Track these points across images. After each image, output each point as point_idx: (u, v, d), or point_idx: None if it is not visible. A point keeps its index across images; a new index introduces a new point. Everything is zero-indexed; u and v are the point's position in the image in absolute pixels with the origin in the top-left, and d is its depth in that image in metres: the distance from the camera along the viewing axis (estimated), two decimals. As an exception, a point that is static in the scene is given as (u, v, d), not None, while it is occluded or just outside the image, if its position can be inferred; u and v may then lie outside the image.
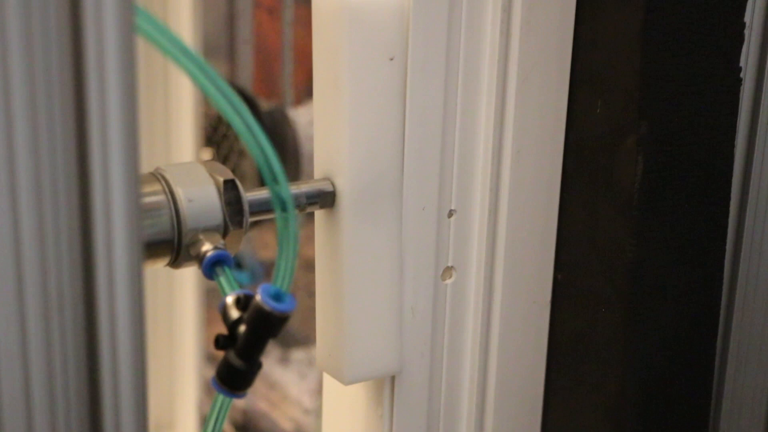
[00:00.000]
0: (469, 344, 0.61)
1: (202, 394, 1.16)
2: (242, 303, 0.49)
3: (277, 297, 0.47)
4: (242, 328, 0.48)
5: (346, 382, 0.58)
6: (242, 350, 0.48)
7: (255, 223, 0.99)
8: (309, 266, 0.95)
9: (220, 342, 0.48)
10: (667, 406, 0.62)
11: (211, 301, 1.14)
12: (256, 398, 1.12)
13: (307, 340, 1.09)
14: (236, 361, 0.48)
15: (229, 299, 0.49)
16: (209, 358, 1.15)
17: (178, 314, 1.16)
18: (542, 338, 0.63)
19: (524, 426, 0.64)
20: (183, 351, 1.16)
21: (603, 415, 0.61)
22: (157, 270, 1.14)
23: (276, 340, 1.10)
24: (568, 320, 0.62)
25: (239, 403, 1.13)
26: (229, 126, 0.99)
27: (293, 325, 1.10)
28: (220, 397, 0.51)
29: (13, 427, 0.38)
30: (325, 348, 0.59)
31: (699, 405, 0.63)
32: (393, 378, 0.60)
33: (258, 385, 1.12)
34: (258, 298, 0.47)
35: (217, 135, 1.02)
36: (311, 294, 0.98)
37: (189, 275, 1.14)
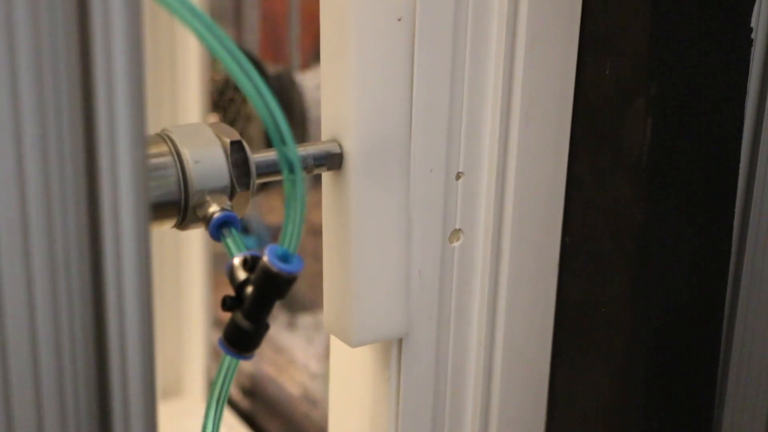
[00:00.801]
0: (477, 307, 0.61)
1: (209, 360, 1.16)
2: (249, 264, 0.48)
3: (285, 258, 0.47)
4: (249, 289, 0.48)
5: (353, 344, 0.58)
6: (249, 311, 0.48)
7: (262, 188, 0.99)
8: (316, 232, 0.95)
9: (227, 303, 0.48)
10: (674, 369, 0.62)
11: (219, 266, 1.14)
12: (263, 363, 1.12)
13: (313, 305, 1.09)
14: (243, 322, 0.48)
15: (236, 260, 0.49)
16: (217, 323, 1.15)
17: (186, 280, 1.16)
18: (550, 301, 0.63)
19: (531, 388, 0.64)
20: (190, 317, 1.16)
21: (610, 378, 0.61)
22: (164, 236, 1.14)
23: (283, 305, 1.10)
24: (576, 283, 0.62)
25: (246, 367, 1.13)
26: (236, 90, 0.99)
27: (300, 290, 1.10)
28: (227, 358, 0.51)
29: (20, 386, 0.38)
30: (332, 311, 0.59)
31: (707, 368, 0.63)
32: (400, 341, 0.60)
33: (265, 350, 1.12)
34: (265, 259, 0.47)
35: (223, 99, 1.01)
36: (318, 259, 0.97)
37: (196, 240, 1.14)
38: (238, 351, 0.48)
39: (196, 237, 1.14)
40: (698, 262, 0.60)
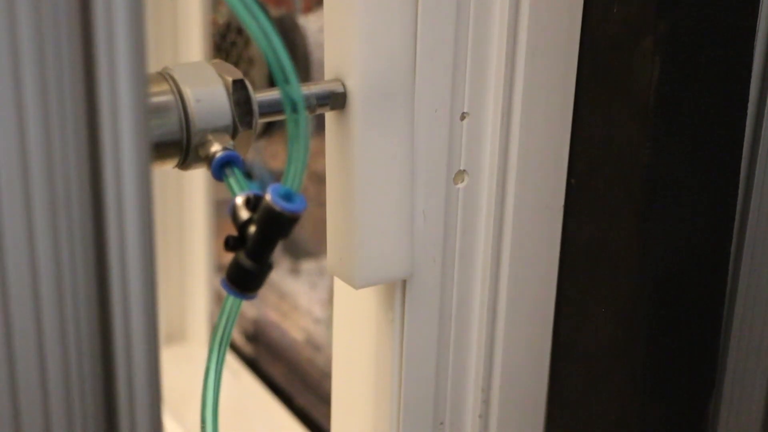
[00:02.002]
0: (481, 249, 0.61)
1: (212, 305, 1.16)
2: (252, 204, 0.48)
3: (287, 197, 0.47)
4: (252, 229, 0.47)
5: (357, 286, 0.58)
6: (252, 251, 0.47)
7: (265, 131, 0.98)
8: (320, 179, 0.94)
9: (230, 243, 0.48)
10: (679, 312, 0.61)
11: (221, 212, 1.14)
12: (266, 308, 1.12)
13: (317, 251, 1.08)
14: (246, 262, 0.47)
15: (239, 200, 0.48)
16: (220, 268, 1.15)
17: (188, 226, 1.15)
18: (555, 244, 0.62)
19: (536, 330, 0.64)
20: (193, 262, 1.15)
21: (615, 322, 0.61)
22: (166, 182, 1.14)
23: (286, 251, 1.10)
24: (581, 226, 0.61)
25: (250, 313, 1.13)
26: (238, 34, 0.98)
27: (303, 236, 1.09)
28: (230, 299, 0.51)
29: (21, 318, 0.38)
30: (336, 252, 0.58)
31: (712, 311, 0.62)
32: (404, 282, 0.59)
33: (268, 296, 1.12)
34: (268, 198, 0.47)
35: (225, 43, 1.00)
36: (321, 205, 0.97)
37: (199, 187, 1.14)
38: (241, 291, 0.48)
39: (198, 183, 1.13)
40: (705, 204, 0.60)
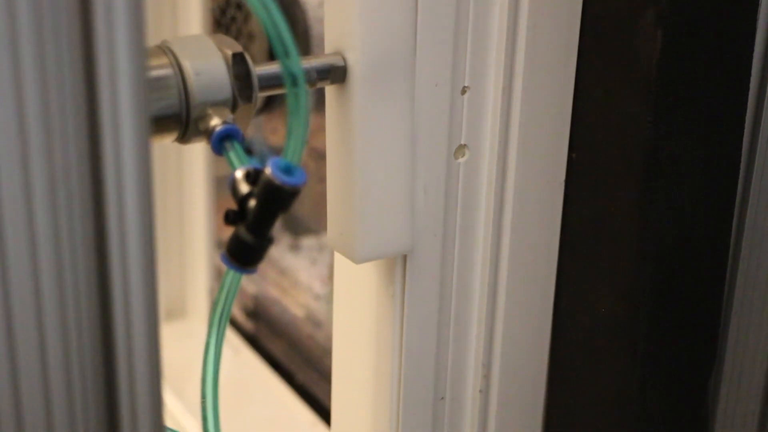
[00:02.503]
0: (482, 224, 0.61)
1: (213, 282, 1.16)
2: (252, 177, 0.48)
3: (288, 170, 0.47)
4: (252, 202, 0.47)
5: (358, 260, 0.57)
6: (252, 225, 0.47)
7: (265, 107, 0.98)
8: (319, 155, 0.94)
9: (230, 217, 0.48)
10: (681, 288, 0.61)
11: (221, 189, 1.13)
12: (266, 285, 1.12)
13: (317, 227, 1.08)
14: (246, 236, 0.47)
15: (239, 174, 0.48)
16: (220, 245, 1.15)
17: (188, 202, 1.15)
18: (556, 218, 0.62)
19: (536, 306, 0.64)
20: (193, 238, 1.15)
21: (617, 296, 0.60)
22: (166, 158, 1.13)
23: (286, 227, 1.10)
24: (583, 200, 0.61)
25: (250, 289, 1.13)
26: (237, 9, 0.98)
27: (303, 212, 1.09)
28: (230, 274, 0.51)
29: (20, 295, 0.38)
30: (337, 227, 0.58)
31: (713, 288, 0.62)
32: (405, 257, 0.59)
33: (268, 272, 1.12)
34: (268, 171, 0.46)
35: (225, 18, 1.00)
36: (321, 180, 0.97)
37: (199, 163, 1.13)
38: (241, 265, 0.48)
39: (198, 159, 1.13)
40: (707, 179, 0.59)
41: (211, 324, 0.52)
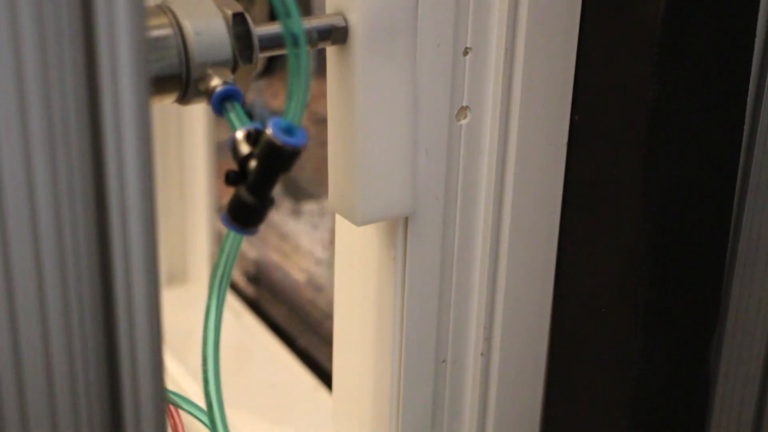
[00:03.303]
0: (484, 186, 0.60)
1: (213, 247, 1.16)
2: (253, 138, 0.48)
3: (289, 131, 0.46)
4: (253, 163, 0.47)
5: (359, 222, 0.57)
6: (253, 186, 0.47)
7: (265, 71, 0.97)
8: (320, 121, 0.93)
9: (230, 178, 0.47)
10: (683, 251, 0.61)
11: (222, 154, 1.13)
12: (267, 249, 1.11)
13: (318, 192, 1.08)
14: (247, 197, 0.47)
15: (239, 134, 0.48)
16: (221, 210, 1.14)
17: (189, 167, 1.15)
18: (558, 181, 0.62)
19: (539, 268, 0.64)
20: (194, 204, 1.15)
21: (619, 258, 0.60)
22: (166, 124, 1.13)
23: (287, 192, 1.10)
24: (585, 162, 0.61)
25: (251, 254, 1.13)
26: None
27: (304, 177, 1.09)
28: (231, 235, 0.51)
29: (20, 258, 0.38)
30: (338, 189, 0.58)
31: (716, 250, 0.62)
32: (406, 220, 0.59)
33: (269, 237, 1.11)
34: (269, 132, 0.46)
35: (225, -19, 0.99)
36: (322, 145, 0.96)
37: (199, 128, 1.13)
38: (242, 226, 0.48)
39: (199, 123, 1.13)
40: (711, 140, 0.59)
41: (212, 287, 0.52)
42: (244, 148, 0.47)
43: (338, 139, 0.57)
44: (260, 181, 0.47)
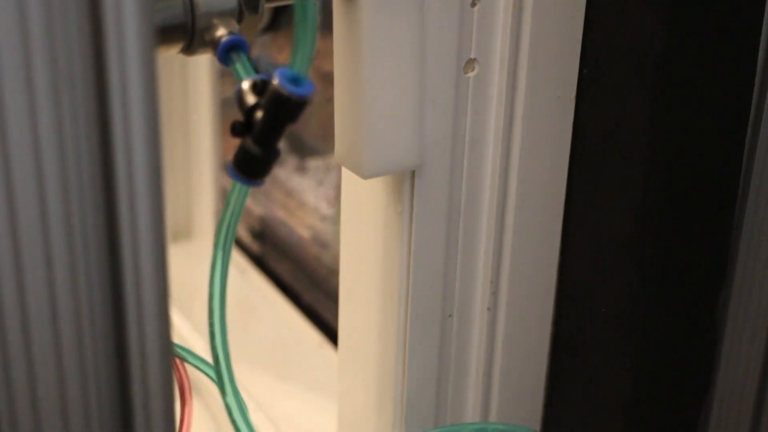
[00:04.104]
0: (491, 139, 0.60)
1: (219, 203, 1.15)
2: (259, 88, 0.47)
3: (295, 81, 0.46)
4: (259, 114, 0.46)
5: (365, 175, 0.57)
6: (259, 136, 0.46)
7: (271, 26, 0.96)
8: (327, 79, 0.93)
9: (236, 129, 0.47)
10: (691, 205, 0.61)
11: (227, 110, 1.13)
12: (273, 206, 1.11)
13: (324, 149, 1.08)
14: (253, 148, 0.47)
15: (245, 85, 0.48)
16: (226, 166, 1.14)
17: (194, 124, 1.15)
18: (566, 134, 0.61)
19: (545, 223, 0.63)
20: (199, 160, 1.15)
21: (626, 213, 0.60)
22: (171, 80, 1.12)
23: (292, 149, 1.09)
24: (593, 116, 0.60)
25: (256, 210, 1.13)
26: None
27: (310, 134, 1.08)
28: (236, 188, 0.50)
29: (26, 211, 0.37)
30: (344, 141, 0.57)
31: (724, 205, 0.62)
32: (413, 173, 0.59)
33: (275, 193, 1.11)
34: (275, 82, 0.46)
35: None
36: (328, 100, 0.96)
37: (204, 84, 1.13)
38: (248, 177, 0.47)
39: (204, 79, 1.12)
40: (720, 95, 0.59)
41: (217, 240, 0.52)
42: (250, 99, 0.47)
43: (345, 92, 0.57)
44: (266, 131, 0.46)
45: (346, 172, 0.62)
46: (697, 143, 0.59)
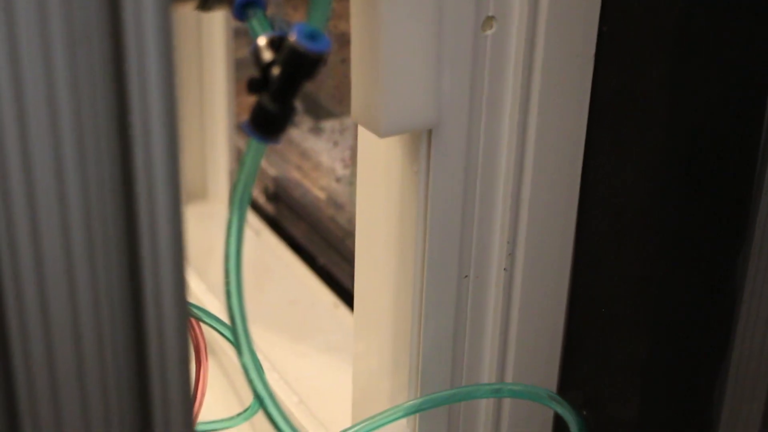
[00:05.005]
0: (509, 98, 0.59)
1: (234, 164, 1.15)
2: (276, 44, 0.47)
3: (312, 37, 0.45)
4: (276, 70, 0.46)
5: (382, 134, 0.56)
6: (276, 93, 0.46)
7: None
8: (342, 39, 0.92)
9: (253, 85, 0.47)
10: (711, 167, 0.60)
11: (242, 71, 1.12)
12: (287, 167, 1.11)
13: (339, 111, 1.07)
14: (270, 104, 0.46)
15: (262, 41, 0.47)
16: (240, 128, 1.14)
17: (208, 85, 1.14)
18: (585, 93, 0.61)
19: (564, 182, 0.63)
20: (214, 121, 1.14)
21: (645, 174, 0.59)
22: (186, 41, 1.12)
23: (307, 111, 1.09)
24: (612, 75, 0.60)
25: (270, 171, 1.13)
26: None
27: (324, 96, 1.08)
28: (253, 145, 0.50)
29: (42, 176, 0.37)
30: (361, 99, 0.57)
31: (744, 166, 0.61)
32: (430, 132, 0.58)
33: (289, 154, 1.11)
34: (292, 38, 0.45)
35: None
36: (344, 61, 0.95)
37: (218, 45, 1.12)
38: (264, 134, 0.47)
39: (218, 41, 1.12)
40: (740, 54, 0.58)
41: (233, 200, 0.52)
42: (267, 55, 0.46)
43: (362, 50, 0.56)
44: (283, 88, 0.46)
45: (362, 131, 0.61)
46: (717, 103, 0.58)
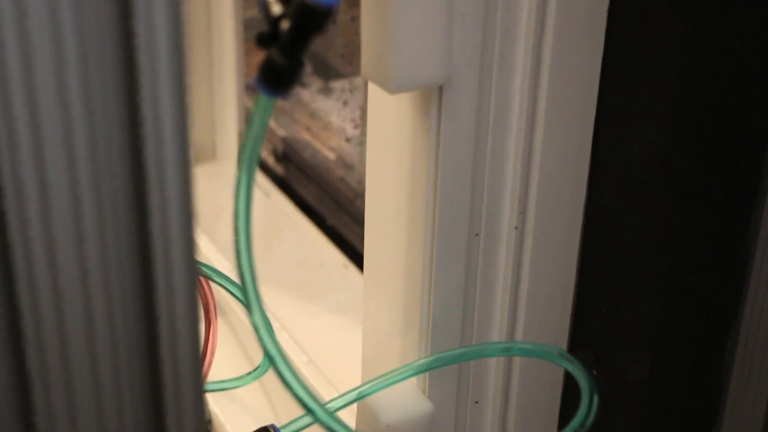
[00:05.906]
0: (521, 54, 0.59)
1: (242, 124, 1.15)
2: (284, -2, 0.46)
3: (322, -10, 0.45)
4: (285, 24, 0.46)
5: (393, 90, 0.56)
6: (286, 47, 0.46)
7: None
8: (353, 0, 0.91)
9: (262, 39, 0.46)
10: (725, 124, 0.59)
11: (250, 30, 1.12)
12: (297, 127, 1.11)
13: (348, 71, 1.07)
14: (279, 58, 0.46)
15: (271, -5, 0.47)
16: (249, 88, 1.13)
17: (217, 44, 1.14)
18: (597, 52, 0.60)
19: (575, 138, 0.62)
20: (223, 81, 1.14)
21: (658, 132, 0.59)
22: (194, 2, 1.11)
23: (316, 71, 1.08)
24: (626, 30, 0.59)
25: (280, 131, 1.12)
26: None
27: (334, 56, 1.07)
28: (262, 102, 0.50)
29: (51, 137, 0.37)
30: (371, 56, 0.56)
31: (759, 124, 0.60)
32: (440, 89, 0.58)
33: (298, 115, 1.10)
34: (302, -9, 0.45)
35: None
36: (353, 19, 0.95)
37: (227, 3, 1.11)
38: (274, 89, 0.47)
39: (227, 1, 1.11)
40: (757, 14, 0.57)
41: (242, 157, 0.51)
42: (276, 9, 0.46)
43: (372, 4, 0.55)
44: (293, 41, 0.45)
45: (372, 89, 0.61)
46: (732, 67, 0.58)
